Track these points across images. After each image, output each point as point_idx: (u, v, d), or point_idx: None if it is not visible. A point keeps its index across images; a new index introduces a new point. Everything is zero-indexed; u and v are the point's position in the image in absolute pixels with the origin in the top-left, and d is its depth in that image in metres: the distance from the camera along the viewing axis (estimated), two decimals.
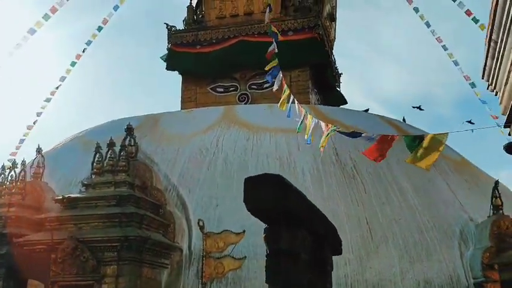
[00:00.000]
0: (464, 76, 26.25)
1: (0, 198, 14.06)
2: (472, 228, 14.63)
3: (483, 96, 25.77)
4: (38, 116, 26.40)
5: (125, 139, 14.19)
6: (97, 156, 13.61)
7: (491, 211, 14.36)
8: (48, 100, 26.66)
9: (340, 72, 29.27)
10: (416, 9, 26.81)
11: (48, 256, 11.98)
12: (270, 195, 5.06)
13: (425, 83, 59.26)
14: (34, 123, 26.50)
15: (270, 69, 16.55)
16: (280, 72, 16.64)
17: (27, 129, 26.37)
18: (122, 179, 12.98)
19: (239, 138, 16.21)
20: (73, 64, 26.57)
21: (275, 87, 16.76)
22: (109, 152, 13.54)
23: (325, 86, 26.71)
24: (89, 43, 26.94)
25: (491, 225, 13.89)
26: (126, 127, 14.49)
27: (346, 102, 28.41)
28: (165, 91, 57.16)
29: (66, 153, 17.73)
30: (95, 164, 13.56)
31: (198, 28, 25.67)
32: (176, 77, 26.34)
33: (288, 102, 16.02)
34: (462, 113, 55.04)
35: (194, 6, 27.70)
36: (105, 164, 13.35)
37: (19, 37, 24.24)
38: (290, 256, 5.53)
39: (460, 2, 24.39)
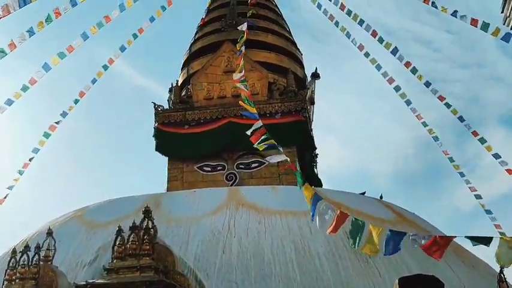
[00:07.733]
0: (443, 151, 27.76)
1: (11, 284, 13.46)
2: None
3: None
4: (9, 189, 25.37)
5: (142, 221, 14.01)
6: (118, 239, 13.39)
7: None
8: (20, 173, 25.81)
9: (316, 152, 30.09)
10: (397, 88, 28.11)
11: None
12: None
13: (362, 158, 62.14)
14: (5, 197, 25.42)
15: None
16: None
17: None
18: (146, 263, 12.74)
19: (250, 220, 16.30)
20: (47, 135, 26.07)
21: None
22: (131, 236, 13.36)
23: (306, 166, 27.31)
24: (64, 115, 26.71)
25: None
26: (144, 209, 14.29)
27: (321, 184, 28.61)
28: (149, 167, 56.41)
29: (66, 233, 17.20)
30: (116, 247, 13.30)
31: (186, 108, 26.13)
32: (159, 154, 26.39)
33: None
34: (399, 186, 57.88)
35: (180, 86, 28.37)
36: (128, 248, 13.12)
37: None
38: None
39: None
